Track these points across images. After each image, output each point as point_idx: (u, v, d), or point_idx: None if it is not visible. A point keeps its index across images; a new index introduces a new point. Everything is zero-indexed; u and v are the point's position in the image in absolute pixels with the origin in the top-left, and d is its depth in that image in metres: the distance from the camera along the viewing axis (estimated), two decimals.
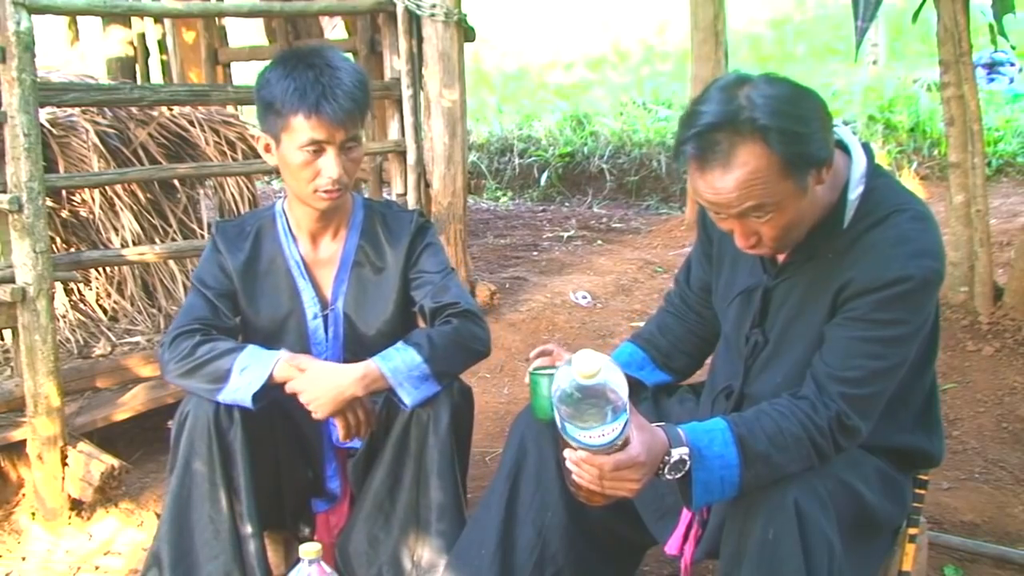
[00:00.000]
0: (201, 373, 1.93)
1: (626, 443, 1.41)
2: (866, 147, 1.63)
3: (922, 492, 1.77)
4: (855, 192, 1.57)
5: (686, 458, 1.45)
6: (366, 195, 4.33)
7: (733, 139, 1.44)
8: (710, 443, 1.47)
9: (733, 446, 1.46)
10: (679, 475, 1.46)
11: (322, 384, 1.92)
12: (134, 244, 3.57)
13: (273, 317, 2.10)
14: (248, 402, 1.90)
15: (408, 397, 1.94)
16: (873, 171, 1.60)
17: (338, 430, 1.99)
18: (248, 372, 1.90)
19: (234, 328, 2.09)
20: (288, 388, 1.94)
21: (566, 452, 1.44)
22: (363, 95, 1.94)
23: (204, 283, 2.07)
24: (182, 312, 2.07)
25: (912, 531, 1.74)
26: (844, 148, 1.61)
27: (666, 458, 1.45)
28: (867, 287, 1.51)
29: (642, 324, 2.08)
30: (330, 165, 1.93)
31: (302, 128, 1.90)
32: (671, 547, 1.72)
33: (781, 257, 1.66)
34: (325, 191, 1.95)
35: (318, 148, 1.92)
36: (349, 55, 5.20)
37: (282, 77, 1.91)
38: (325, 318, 2.11)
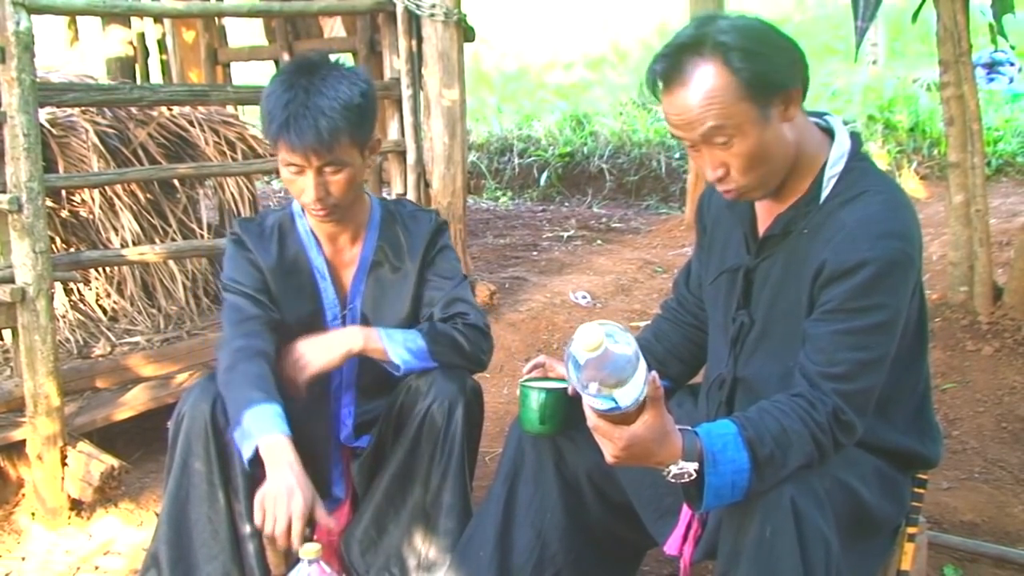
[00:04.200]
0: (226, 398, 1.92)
1: (622, 420, 1.42)
2: (854, 135, 1.65)
3: (921, 491, 1.77)
4: (833, 169, 1.60)
5: (694, 472, 1.45)
6: None
7: (695, 59, 1.50)
8: (724, 447, 1.46)
9: (744, 450, 1.46)
10: (681, 481, 1.46)
11: (320, 340, 1.98)
12: (134, 244, 3.57)
13: (297, 319, 2.09)
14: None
15: (399, 359, 1.99)
16: (855, 154, 1.62)
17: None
18: (246, 440, 1.83)
19: (277, 320, 2.05)
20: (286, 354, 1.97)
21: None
22: (336, 120, 1.87)
23: (239, 282, 2.05)
24: (228, 319, 2.02)
25: (911, 530, 1.73)
26: (830, 132, 1.65)
27: (672, 466, 1.45)
28: (837, 272, 1.52)
29: (641, 325, 2.08)
30: (307, 187, 1.92)
31: (276, 149, 1.92)
32: (671, 547, 1.72)
33: (761, 231, 1.68)
34: (312, 209, 1.96)
35: (297, 169, 1.92)
36: (349, 55, 5.21)
37: (270, 93, 1.92)
38: (343, 318, 2.12)
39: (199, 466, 1.92)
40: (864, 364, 1.53)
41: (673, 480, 1.46)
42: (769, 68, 1.50)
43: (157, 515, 2.71)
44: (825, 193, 1.59)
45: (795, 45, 1.56)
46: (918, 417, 1.71)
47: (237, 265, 2.07)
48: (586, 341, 1.35)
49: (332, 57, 2.02)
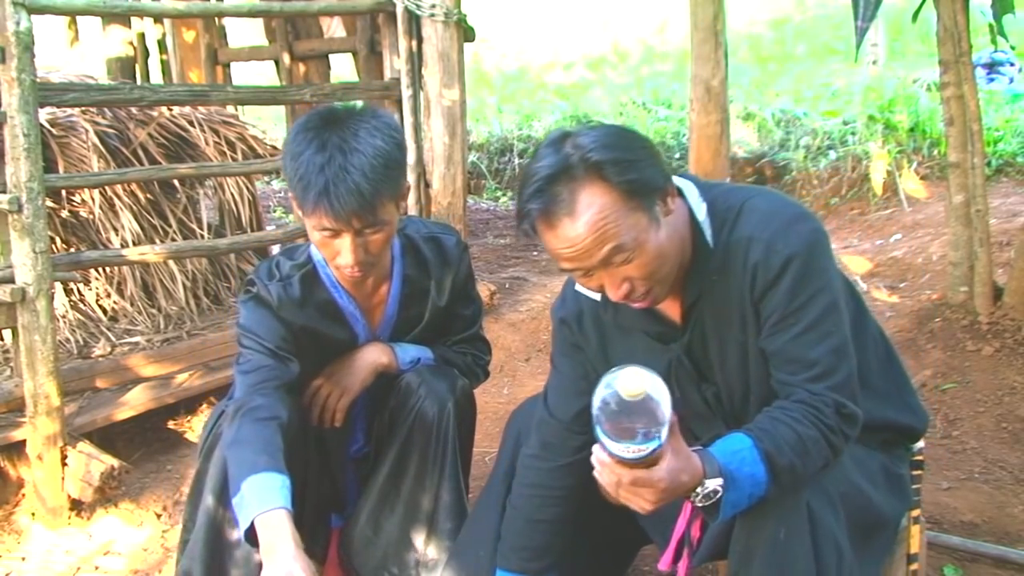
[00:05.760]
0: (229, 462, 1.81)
1: (655, 462, 1.34)
2: (685, 175, 1.63)
3: (919, 473, 1.78)
4: (702, 212, 1.56)
5: (720, 488, 1.41)
6: None
7: (572, 185, 1.41)
8: (740, 464, 1.43)
9: (761, 464, 1.44)
10: (710, 502, 1.42)
11: (348, 364, 2.03)
12: (134, 244, 3.57)
13: None
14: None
15: (407, 356, 2.07)
16: (703, 186, 1.60)
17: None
18: (243, 510, 1.70)
19: (296, 377, 1.96)
20: (314, 387, 2.02)
21: (594, 448, 1.36)
22: (379, 181, 1.74)
23: (261, 336, 1.92)
24: (244, 376, 1.91)
25: (914, 513, 1.75)
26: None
27: (699, 489, 1.40)
28: (769, 280, 1.50)
29: None
30: (343, 251, 1.80)
31: (312, 215, 1.77)
32: (663, 564, 1.71)
33: (670, 312, 1.62)
34: (347, 271, 1.85)
35: (332, 233, 1.79)
36: (349, 55, 5.20)
37: (297, 154, 1.76)
38: None
39: None
40: (836, 350, 1.51)
41: (701, 503, 1.41)
42: (643, 173, 1.44)
43: (157, 515, 2.72)
44: (710, 235, 1.55)
45: (650, 142, 1.51)
46: (887, 376, 1.71)
47: (258, 319, 1.94)
48: (628, 387, 1.25)
49: (354, 103, 1.89)
